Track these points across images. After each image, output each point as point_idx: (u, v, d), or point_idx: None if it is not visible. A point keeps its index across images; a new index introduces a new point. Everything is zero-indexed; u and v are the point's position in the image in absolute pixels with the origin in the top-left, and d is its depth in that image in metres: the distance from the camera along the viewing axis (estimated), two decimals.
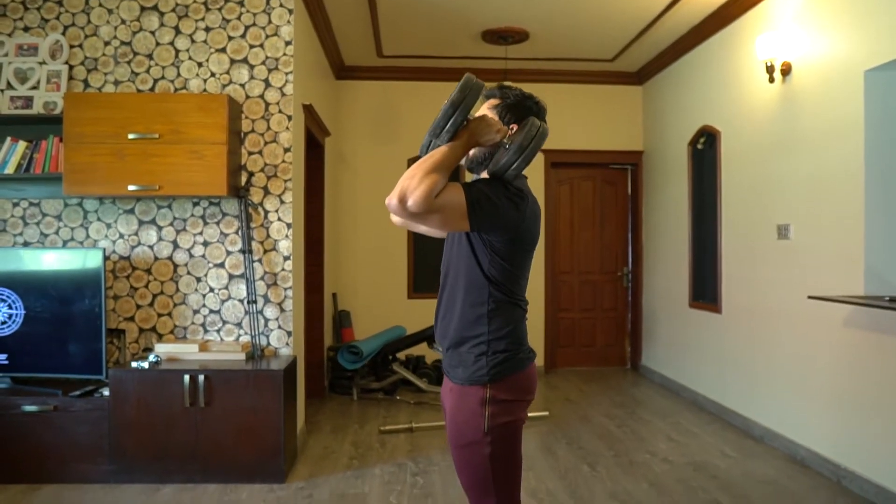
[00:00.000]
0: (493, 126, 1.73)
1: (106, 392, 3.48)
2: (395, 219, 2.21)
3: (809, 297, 3.52)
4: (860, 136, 3.34)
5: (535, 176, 6.24)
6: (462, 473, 1.82)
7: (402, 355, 5.69)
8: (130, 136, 3.51)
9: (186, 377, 3.41)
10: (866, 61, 3.29)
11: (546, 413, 4.76)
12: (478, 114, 1.82)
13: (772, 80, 3.97)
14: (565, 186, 6.40)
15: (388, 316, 5.97)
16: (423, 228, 2.14)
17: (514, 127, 1.80)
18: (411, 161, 6.13)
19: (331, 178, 5.70)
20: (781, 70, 3.93)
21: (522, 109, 1.82)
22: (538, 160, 6.25)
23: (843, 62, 3.46)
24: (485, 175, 1.83)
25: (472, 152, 1.82)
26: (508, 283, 1.81)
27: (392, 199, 1.58)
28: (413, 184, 1.57)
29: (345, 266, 6.13)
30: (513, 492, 1.81)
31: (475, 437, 1.76)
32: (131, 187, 3.52)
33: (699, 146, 5.16)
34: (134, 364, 3.49)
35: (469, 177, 1.96)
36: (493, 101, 1.85)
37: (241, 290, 3.86)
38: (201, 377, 3.41)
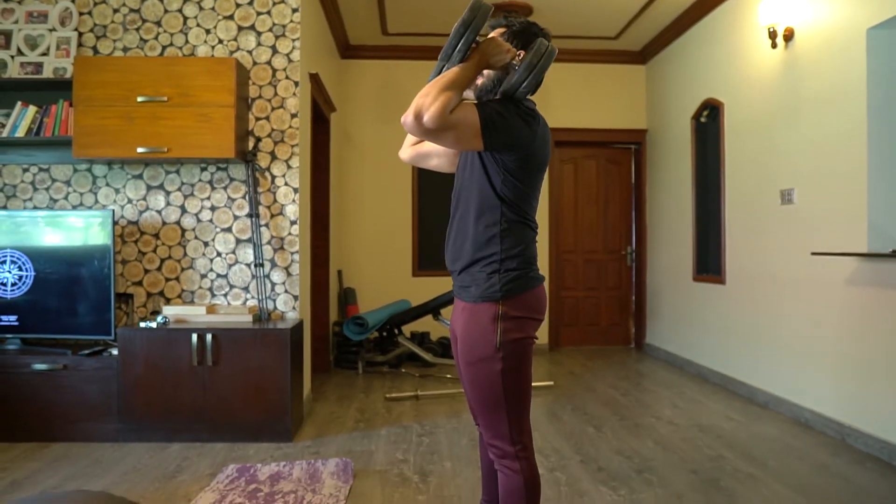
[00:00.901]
0: (504, 46, 1.76)
1: (115, 351, 3.51)
2: (404, 154, 2.24)
3: (813, 254, 3.53)
4: (863, 94, 3.36)
5: None
6: (474, 390, 1.84)
7: (407, 331, 5.71)
8: (139, 99, 3.55)
9: (194, 336, 3.44)
10: (868, 19, 3.32)
11: (551, 383, 4.78)
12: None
13: (774, 45, 4.00)
14: (569, 166, 6.43)
15: (393, 293, 6.00)
16: (433, 163, 2.16)
17: (522, 53, 1.83)
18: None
19: (336, 156, 5.73)
20: (784, 35, 3.95)
21: (528, 35, 1.86)
22: None
23: (845, 22, 3.48)
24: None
25: (480, 81, 1.85)
26: (521, 202, 1.84)
27: (408, 116, 1.62)
28: (428, 101, 1.61)
29: (350, 243, 6.16)
30: (524, 408, 1.83)
31: (487, 352, 1.79)
32: (140, 150, 3.55)
33: (702, 120, 5.19)
34: (142, 324, 3.52)
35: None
36: (499, 30, 1.89)
37: (248, 254, 3.89)
38: (209, 336, 3.44)
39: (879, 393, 3.26)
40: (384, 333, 5.39)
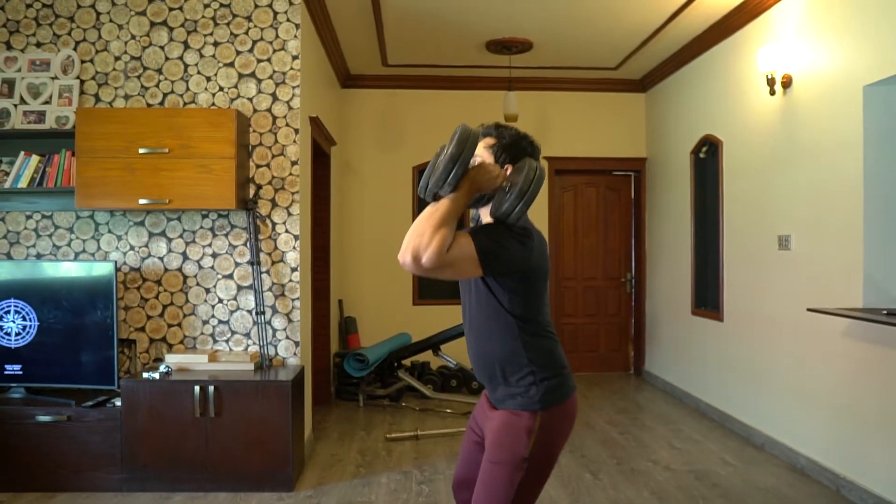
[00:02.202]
0: (493, 172, 1.79)
1: (118, 402, 3.55)
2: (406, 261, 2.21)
3: (808, 310, 3.56)
4: (859, 149, 3.38)
5: None
6: (483, 483, 1.85)
7: (407, 362, 5.75)
8: (141, 151, 3.59)
9: (197, 388, 3.48)
10: (866, 76, 3.34)
11: None
12: (475, 152, 1.87)
13: (773, 92, 4.02)
14: (569, 193, 6.45)
15: (394, 322, 6.04)
16: (444, 275, 2.18)
17: (510, 167, 1.85)
18: (416, 169, 6.20)
19: (337, 186, 5.76)
20: (782, 82, 3.97)
21: (517, 150, 1.88)
22: (543, 167, 6.29)
23: (843, 76, 3.50)
24: (487, 219, 1.88)
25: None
26: (531, 314, 1.86)
27: (406, 258, 1.65)
28: (424, 241, 1.63)
29: (350, 272, 6.19)
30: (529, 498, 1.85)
31: (514, 459, 1.81)
32: (142, 201, 3.59)
33: (701, 155, 5.21)
34: (145, 375, 3.56)
35: (470, 213, 2.01)
36: (489, 141, 1.90)
37: (249, 300, 3.93)
38: (211, 388, 3.48)
39: (873, 446, 3.30)
40: (384, 366, 5.43)
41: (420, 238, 1.64)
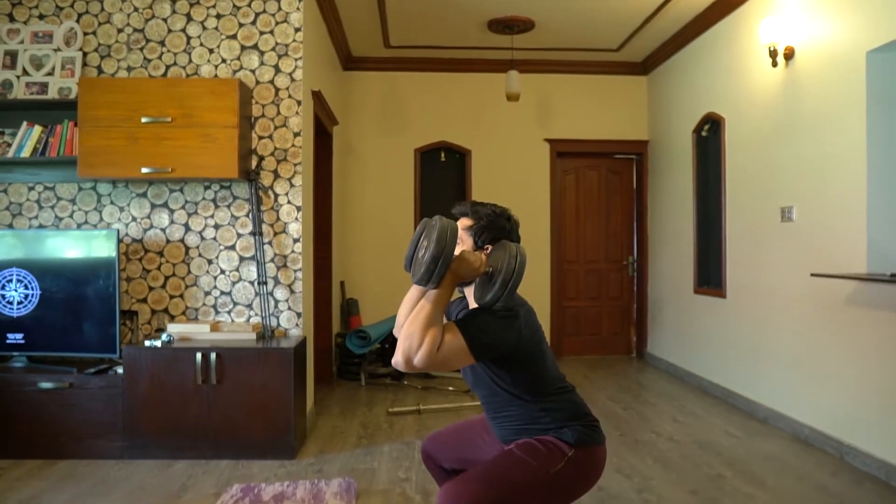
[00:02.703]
0: (474, 263, 1.79)
1: (120, 370, 3.55)
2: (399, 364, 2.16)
3: (812, 275, 3.55)
4: (862, 115, 3.38)
5: (540, 166, 6.30)
6: (505, 460, 1.83)
7: None
8: (143, 120, 3.59)
9: (199, 355, 3.47)
10: (868, 42, 3.33)
11: None
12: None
13: (775, 64, 4.02)
14: (571, 176, 6.45)
15: (396, 304, 5.96)
16: None
17: (490, 248, 1.86)
18: (418, 152, 6.21)
19: (339, 169, 5.76)
20: (784, 54, 3.97)
21: (496, 229, 1.89)
22: (544, 149, 6.31)
23: (846, 44, 3.50)
24: (471, 299, 1.90)
25: None
26: (535, 383, 1.88)
27: (398, 360, 1.69)
28: (414, 344, 1.67)
29: (353, 255, 6.19)
30: None
31: (542, 467, 1.79)
32: (144, 170, 3.59)
33: (703, 134, 5.21)
34: (147, 343, 3.56)
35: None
36: (466, 222, 1.91)
37: (251, 272, 3.93)
38: (213, 355, 3.48)
39: (877, 412, 3.28)
40: (387, 345, 5.42)
41: (410, 341, 1.67)
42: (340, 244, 5.92)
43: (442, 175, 6.29)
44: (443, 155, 6.28)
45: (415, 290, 1.91)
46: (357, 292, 6.12)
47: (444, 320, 1.85)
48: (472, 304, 1.91)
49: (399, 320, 1.95)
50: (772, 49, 4.00)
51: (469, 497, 1.72)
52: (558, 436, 1.85)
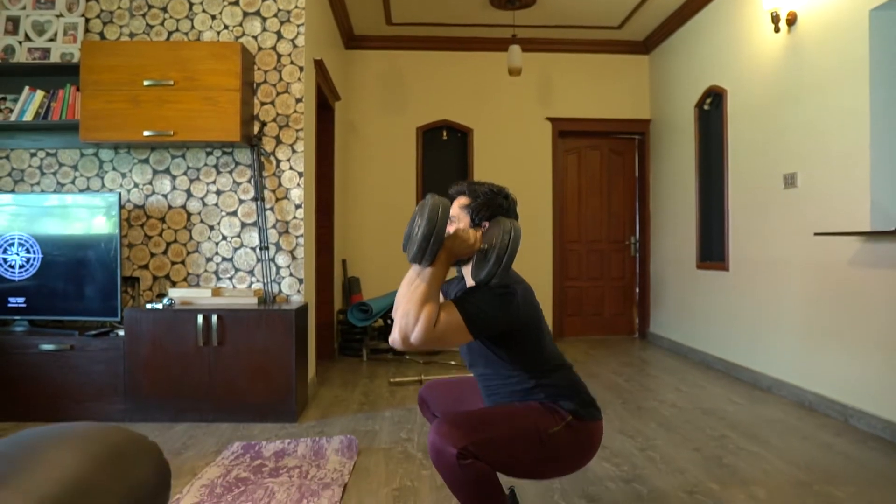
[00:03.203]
0: (468, 240, 1.79)
1: (121, 332, 3.54)
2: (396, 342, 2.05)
3: (815, 234, 3.54)
4: (865, 74, 3.37)
5: (542, 145, 6.29)
6: (505, 409, 1.83)
7: None
8: (145, 83, 3.59)
9: (200, 317, 3.46)
10: (871, 0, 3.32)
11: None
12: (451, 211, 1.87)
13: (777, 30, 4.01)
14: (573, 156, 6.44)
15: (397, 282, 5.97)
16: None
17: (486, 225, 1.85)
18: (420, 130, 6.20)
19: (341, 147, 5.76)
20: (787, 20, 3.96)
21: (494, 207, 1.88)
22: (546, 129, 6.30)
23: (848, 3, 3.49)
24: (469, 277, 1.89)
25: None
26: (533, 360, 1.86)
27: (395, 338, 1.69)
28: (411, 321, 1.66)
29: (354, 233, 6.18)
30: (498, 458, 1.75)
31: (536, 424, 1.78)
32: (146, 133, 3.59)
33: (706, 107, 5.20)
34: (148, 305, 3.55)
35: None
36: (463, 201, 1.91)
37: (253, 238, 3.92)
38: (214, 317, 3.47)
39: (881, 373, 3.26)
40: (389, 321, 5.41)
41: (406, 318, 1.67)
42: (342, 222, 5.92)
43: (444, 154, 6.29)
44: (445, 134, 6.27)
45: (412, 272, 1.89)
46: (359, 270, 6.11)
47: (442, 300, 1.86)
48: (471, 282, 1.90)
49: (397, 302, 1.94)
50: (774, 14, 3.99)
51: (458, 436, 1.67)
52: (558, 404, 1.84)
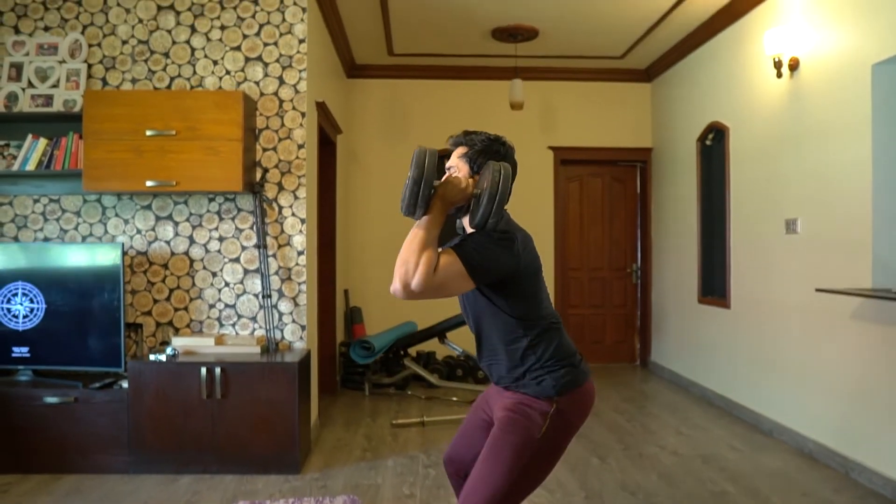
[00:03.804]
0: (460, 184, 1.79)
1: (125, 384, 3.55)
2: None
3: (817, 290, 3.54)
4: (868, 129, 3.37)
5: (544, 174, 6.29)
6: (486, 460, 1.84)
7: (413, 351, 5.74)
8: (148, 133, 3.59)
9: (203, 369, 3.47)
10: (874, 55, 3.32)
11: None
12: (448, 163, 1.92)
13: (780, 75, 4.00)
14: (574, 183, 6.44)
15: (399, 312, 6.02)
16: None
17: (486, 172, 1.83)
18: None
19: (342, 176, 5.76)
20: (789, 65, 3.96)
21: (490, 154, 1.88)
22: (548, 157, 6.30)
23: (851, 56, 3.49)
24: (468, 227, 1.89)
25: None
26: (532, 311, 1.87)
27: (396, 287, 1.68)
28: (411, 268, 1.66)
29: (356, 262, 6.19)
30: (520, 493, 1.83)
31: (524, 439, 1.81)
32: (149, 183, 3.59)
33: (707, 142, 5.20)
34: (152, 357, 3.56)
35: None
36: (461, 150, 1.92)
37: (255, 284, 3.93)
38: (217, 369, 3.48)
39: (883, 428, 3.27)
40: (390, 354, 5.42)
41: (406, 266, 1.67)
42: (344, 252, 5.92)
43: None
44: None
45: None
46: (361, 300, 6.12)
47: None
48: (470, 230, 1.90)
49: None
50: (776, 60, 3.98)
51: (478, 491, 1.76)
52: (539, 392, 1.84)
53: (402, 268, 1.67)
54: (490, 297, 1.86)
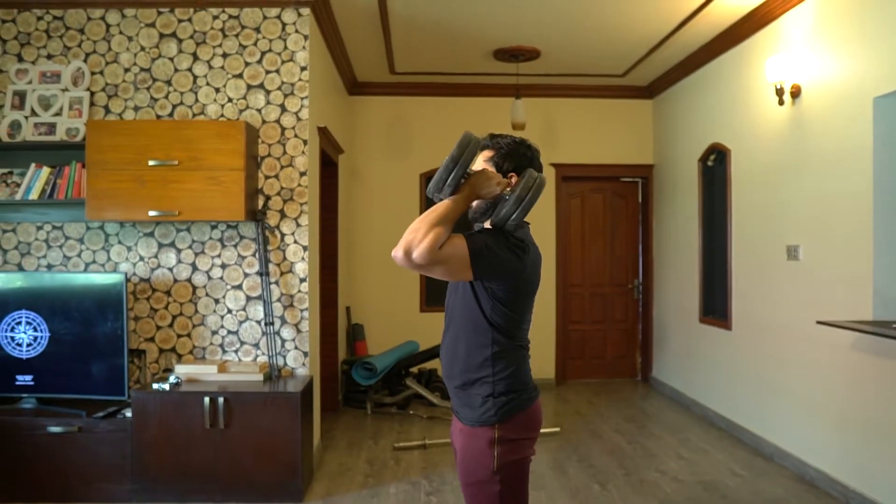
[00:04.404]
0: (493, 179, 1.79)
1: (128, 413, 3.57)
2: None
3: (818, 323, 3.55)
4: (869, 160, 3.37)
5: (546, 189, 6.27)
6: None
7: (414, 369, 5.76)
8: (150, 163, 3.60)
9: (206, 399, 3.49)
10: (875, 88, 3.32)
11: (557, 429, 4.82)
12: (475, 167, 1.88)
13: (781, 102, 4.01)
14: (576, 199, 6.45)
15: (401, 329, 6.04)
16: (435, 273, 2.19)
17: (514, 177, 1.85)
18: (423, 176, 6.21)
19: (344, 194, 5.77)
20: (791, 92, 3.96)
21: (517, 157, 1.88)
22: (549, 174, 6.30)
23: (853, 87, 3.49)
24: (487, 225, 1.89)
25: (474, 204, 1.87)
26: (510, 327, 1.86)
27: (398, 252, 1.66)
28: (418, 237, 1.65)
29: (358, 280, 6.21)
30: None
31: (484, 475, 1.83)
32: (151, 213, 3.61)
33: (709, 163, 5.20)
34: (155, 386, 3.58)
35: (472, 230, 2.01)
36: (488, 153, 1.90)
37: (258, 311, 3.94)
38: (221, 399, 3.49)
39: (883, 458, 3.28)
40: (392, 374, 5.44)
41: (414, 234, 1.65)
42: (346, 270, 5.94)
43: None
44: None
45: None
46: (363, 317, 6.14)
47: None
48: (489, 226, 1.89)
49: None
50: (778, 87, 3.99)
51: None
52: (479, 419, 1.83)
53: (410, 235, 1.65)
54: (477, 293, 1.84)
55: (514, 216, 1.75)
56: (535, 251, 1.88)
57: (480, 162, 1.90)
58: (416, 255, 1.64)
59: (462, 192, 1.75)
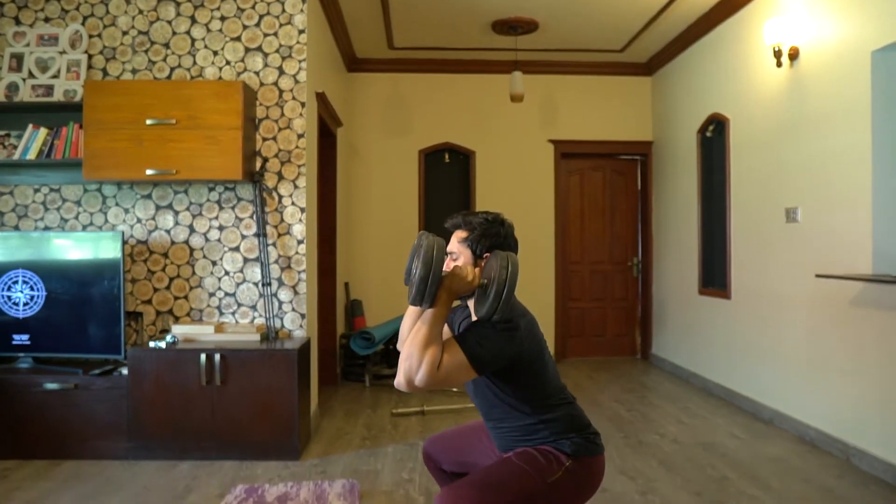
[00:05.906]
0: (467, 276, 1.79)
1: (125, 371, 3.56)
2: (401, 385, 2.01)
3: (817, 276, 3.54)
4: (867, 116, 3.36)
5: (544, 167, 6.30)
6: (505, 465, 1.83)
7: None
8: (148, 122, 3.60)
9: (203, 356, 3.48)
10: (873, 42, 3.32)
11: None
12: (449, 248, 1.89)
13: (779, 64, 4.00)
14: (575, 177, 6.44)
15: (400, 305, 6.02)
16: None
17: (488, 256, 1.84)
18: (422, 153, 6.21)
19: (343, 170, 5.77)
20: (789, 55, 3.95)
21: (491, 237, 1.87)
22: (548, 151, 6.30)
23: (850, 44, 3.49)
24: (473, 314, 1.90)
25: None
26: (536, 395, 1.87)
27: (400, 382, 1.70)
28: (414, 364, 1.68)
29: (357, 256, 6.20)
30: None
31: (538, 478, 1.79)
32: (149, 172, 3.61)
33: (708, 134, 5.20)
34: (151, 343, 3.57)
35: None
36: (461, 234, 1.91)
37: (255, 273, 3.94)
38: (217, 356, 3.49)
39: (884, 414, 3.26)
40: (391, 346, 5.43)
41: (409, 361, 1.68)
42: (345, 245, 5.93)
43: (446, 176, 6.30)
44: (447, 156, 6.28)
45: (414, 311, 1.92)
46: (361, 293, 6.13)
47: (447, 328, 1.83)
48: (475, 317, 1.90)
49: (402, 335, 1.96)
50: (776, 49, 3.98)
51: None
52: (557, 447, 1.85)
53: (407, 363, 1.69)
54: (495, 383, 1.87)
55: (497, 311, 1.72)
56: (528, 320, 1.87)
57: (454, 244, 1.90)
58: (418, 381, 1.68)
59: (440, 299, 1.75)
